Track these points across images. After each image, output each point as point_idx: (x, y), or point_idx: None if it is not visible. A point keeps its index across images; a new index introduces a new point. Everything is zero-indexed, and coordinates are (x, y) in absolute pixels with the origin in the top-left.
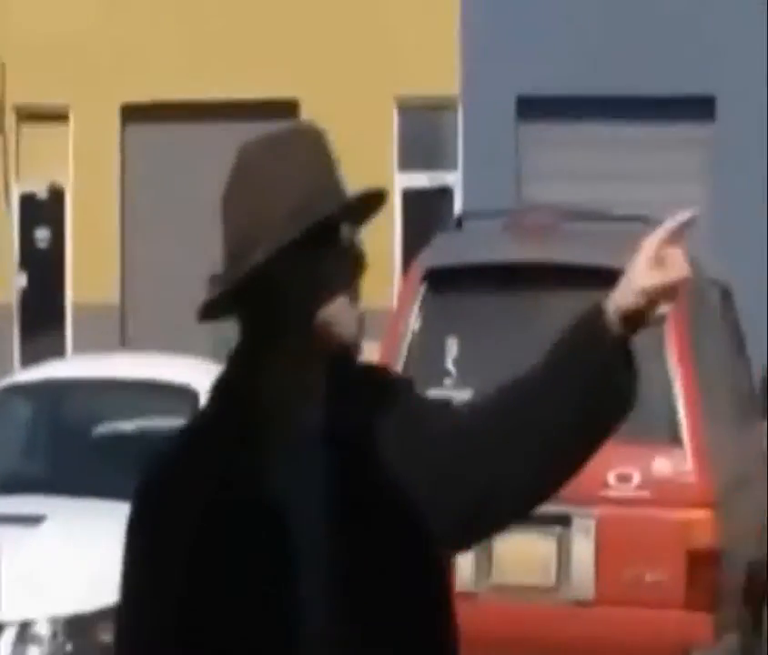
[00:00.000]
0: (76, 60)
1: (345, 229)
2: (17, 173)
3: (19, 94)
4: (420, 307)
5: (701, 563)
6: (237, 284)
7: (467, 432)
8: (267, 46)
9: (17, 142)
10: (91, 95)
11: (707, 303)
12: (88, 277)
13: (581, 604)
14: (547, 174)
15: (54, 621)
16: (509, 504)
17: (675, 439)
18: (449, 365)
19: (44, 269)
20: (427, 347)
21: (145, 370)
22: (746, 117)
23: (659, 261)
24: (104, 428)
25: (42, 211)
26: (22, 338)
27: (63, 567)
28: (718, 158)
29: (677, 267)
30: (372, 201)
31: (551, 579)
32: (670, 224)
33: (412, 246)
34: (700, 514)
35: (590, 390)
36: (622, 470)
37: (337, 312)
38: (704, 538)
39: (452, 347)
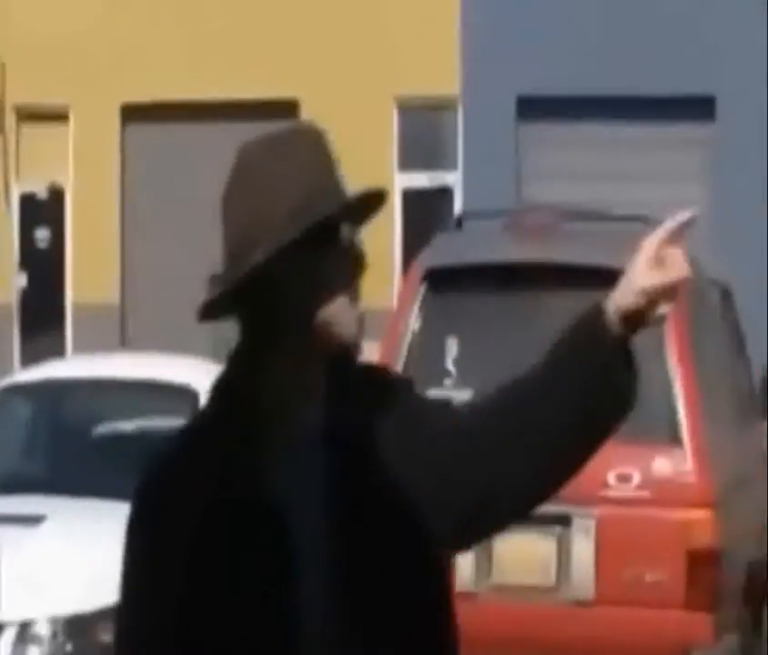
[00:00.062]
0: (76, 60)
1: (345, 229)
2: (17, 173)
3: (19, 94)
4: (420, 307)
5: (701, 563)
6: (236, 284)
7: (467, 432)
8: (267, 46)
9: (17, 142)
10: (91, 95)
11: (707, 303)
12: (88, 277)
13: (581, 604)
14: (547, 174)
15: (54, 621)
16: (508, 504)
17: (675, 439)
18: (449, 365)
19: (44, 269)
20: (427, 347)
21: (145, 370)
22: (746, 117)
23: (659, 261)
24: (104, 428)
25: (42, 211)
26: (22, 338)
27: (63, 567)
28: (718, 158)
29: (677, 267)
30: (372, 201)
31: (551, 579)
32: (670, 224)
33: (412, 246)
34: (700, 514)
35: (590, 390)
36: (622, 470)
37: (337, 312)
38: (704, 538)
39: (452, 347)
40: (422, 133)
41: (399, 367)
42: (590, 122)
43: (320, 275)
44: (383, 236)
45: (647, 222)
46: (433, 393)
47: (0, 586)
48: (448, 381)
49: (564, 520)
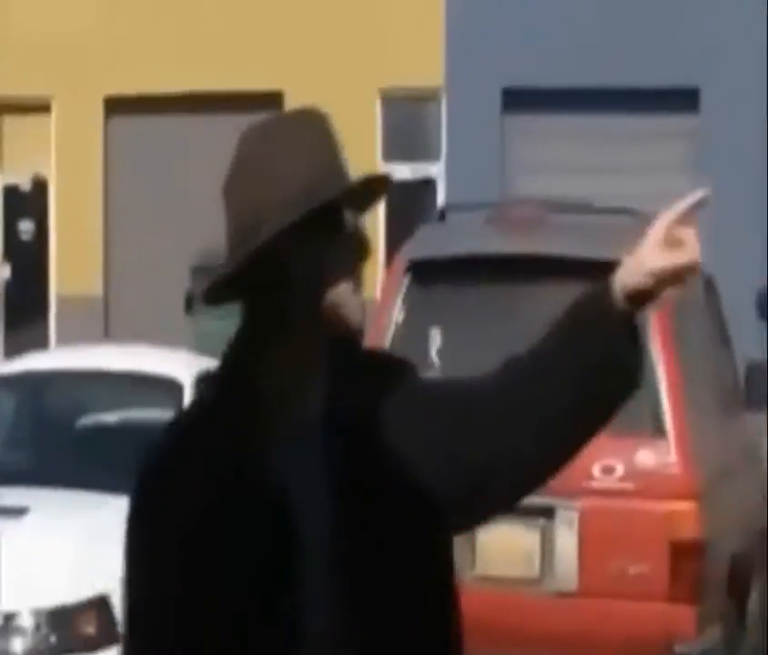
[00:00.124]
0: (60, 52)
1: (348, 215)
2: (0, 165)
3: (1, 85)
4: (404, 299)
5: (684, 555)
6: (239, 266)
7: (470, 407)
8: (252, 38)
9: (0, 134)
10: (74, 86)
11: (690, 294)
12: (72, 268)
13: (565, 596)
14: (531, 166)
15: (37, 613)
16: (510, 478)
17: (659, 431)
18: (433, 357)
19: (27, 261)
20: (410, 339)
21: (128, 362)
22: (730, 109)
23: (669, 242)
24: (87, 420)
25: (25, 203)
26: (5, 330)
27: (46, 559)
28: (702, 150)
29: (689, 249)
30: (375, 187)
31: (535, 570)
32: (681, 204)
33: (396, 237)
34: (683, 506)
35: (593, 365)
36: (606, 462)
37: (341, 297)
38: (688, 530)
39: (436, 338)
40: (406, 124)
41: None
42: (574, 114)
43: (324, 259)
44: (367, 228)
45: (632, 214)
46: None
47: None
48: (431, 373)
49: (548, 512)
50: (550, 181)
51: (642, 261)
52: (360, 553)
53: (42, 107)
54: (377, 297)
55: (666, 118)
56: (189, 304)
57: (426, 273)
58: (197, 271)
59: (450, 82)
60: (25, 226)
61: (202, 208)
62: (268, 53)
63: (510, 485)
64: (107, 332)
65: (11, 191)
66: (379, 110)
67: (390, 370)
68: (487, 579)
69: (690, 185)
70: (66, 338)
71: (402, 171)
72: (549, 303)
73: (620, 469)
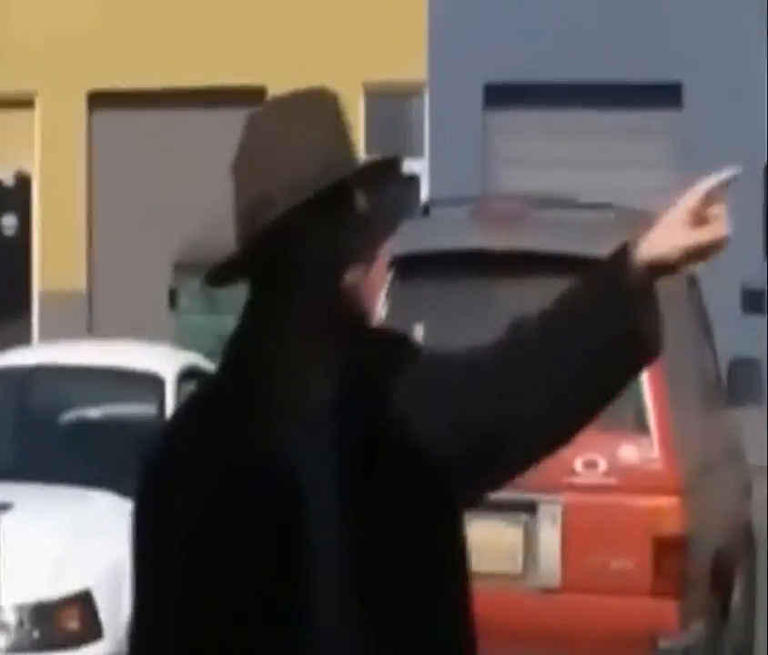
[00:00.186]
0: (43, 48)
1: (360, 197)
2: None
3: None
4: (387, 294)
5: (667, 550)
6: (248, 246)
7: (473, 370)
8: (234, 33)
9: None
10: (58, 82)
11: (673, 290)
12: (55, 264)
13: (548, 591)
14: (514, 161)
15: (20, 609)
16: (522, 439)
17: (642, 426)
18: None
19: (10, 256)
20: None
21: (111, 357)
22: (713, 104)
23: (696, 218)
24: (70, 416)
25: (8, 198)
26: None
27: (29, 554)
28: (685, 145)
29: (716, 225)
30: (386, 169)
31: (518, 566)
32: (711, 180)
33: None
34: (666, 501)
35: (608, 326)
36: (589, 457)
37: (352, 280)
38: (671, 525)
39: (419, 333)
40: (389, 119)
41: None
42: (557, 109)
43: (335, 241)
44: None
45: (614, 210)
46: None
47: None
48: None
49: (530, 507)
50: (532, 176)
51: (670, 234)
52: (372, 544)
53: (25, 103)
54: None
55: (649, 113)
56: (173, 299)
57: (409, 268)
58: (181, 267)
59: (433, 77)
60: (9, 222)
61: (185, 204)
62: (251, 48)
63: (523, 447)
64: (91, 328)
65: None
66: (362, 105)
67: (395, 348)
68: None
69: (672, 180)
70: (49, 334)
71: None
72: (531, 298)
73: (603, 465)
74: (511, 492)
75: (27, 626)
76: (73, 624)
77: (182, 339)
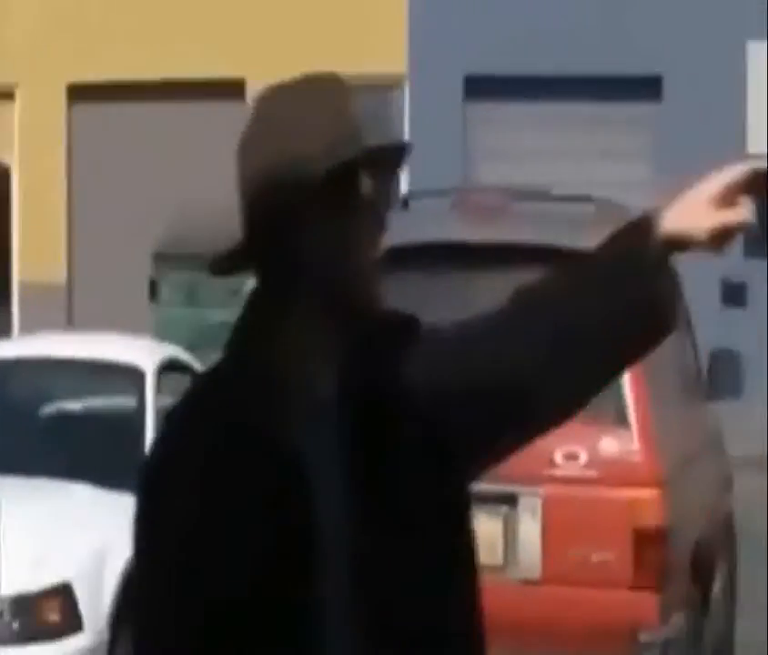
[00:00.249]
0: (23, 39)
1: (366, 183)
2: None
3: None
4: None
5: (647, 543)
6: (253, 231)
7: (488, 334)
8: (214, 26)
9: None
10: (37, 74)
11: None
12: (35, 256)
13: (528, 583)
14: (494, 153)
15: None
16: (533, 405)
17: (622, 419)
18: None
19: None
20: None
21: (91, 350)
22: (693, 97)
23: (720, 202)
24: (50, 408)
25: None
26: None
27: (9, 546)
28: (664, 138)
29: (740, 211)
30: (394, 153)
31: (498, 558)
32: (742, 167)
33: None
34: (646, 493)
35: (620, 292)
36: (569, 449)
37: (358, 267)
38: (651, 517)
39: None
40: (369, 112)
41: None
42: (536, 101)
43: (340, 227)
44: None
45: (594, 202)
46: None
47: None
48: None
49: (511, 500)
50: (512, 168)
51: (695, 214)
52: (379, 536)
53: (5, 95)
54: None
55: (628, 106)
56: (153, 291)
57: (389, 260)
58: (161, 258)
59: (413, 69)
60: None
61: (165, 195)
62: (231, 41)
63: (532, 411)
64: (71, 320)
65: None
66: None
67: (403, 331)
68: None
69: (651, 173)
70: (29, 326)
71: None
72: (512, 290)
73: (583, 457)
74: (491, 484)
75: (7, 618)
76: (53, 616)
77: (162, 332)
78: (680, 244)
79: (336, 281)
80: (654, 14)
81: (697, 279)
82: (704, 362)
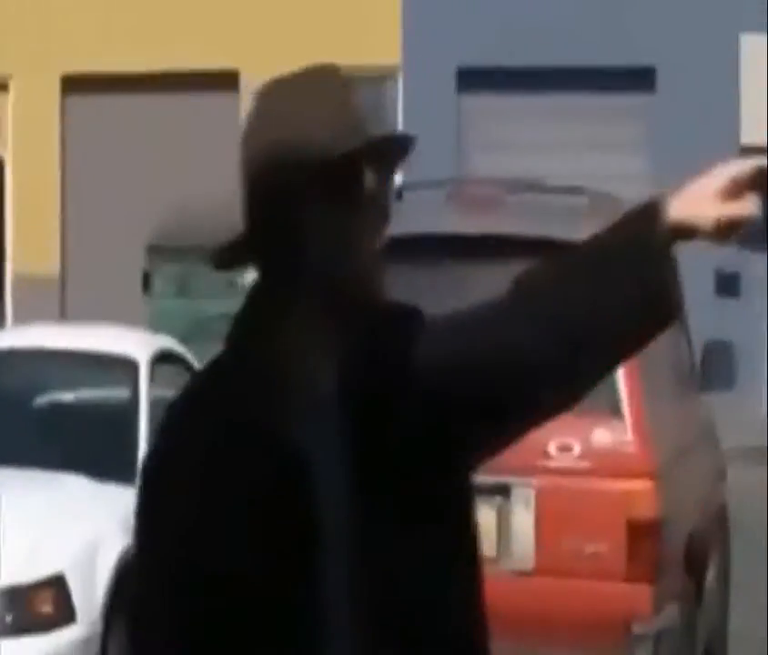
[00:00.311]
0: (17, 30)
1: (369, 177)
2: None
3: None
4: None
5: (641, 534)
6: (255, 224)
7: (493, 327)
8: (207, 17)
9: None
10: (31, 65)
11: None
12: (28, 248)
13: (522, 575)
14: (487, 145)
15: None
16: (535, 387)
17: (615, 410)
18: None
19: None
20: None
21: (85, 341)
22: (686, 88)
23: (727, 193)
24: (44, 399)
25: None
26: None
27: (2, 538)
28: (658, 129)
29: (747, 204)
30: (397, 146)
31: (492, 549)
32: (751, 162)
33: None
34: (640, 485)
35: (622, 276)
36: (563, 441)
37: (360, 262)
38: (645, 509)
39: None
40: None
41: None
42: (530, 93)
43: (342, 219)
44: None
45: (588, 194)
46: None
47: None
48: None
49: (504, 490)
50: (505, 160)
51: (699, 203)
52: (380, 533)
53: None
54: None
55: (622, 97)
56: (146, 283)
57: (383, 252)
58: (154, 250)
59: (406, 61)
60: None
61: (158, 188)
62: (224, 32)
63: (533, 392)
64: (64, 311)
65: None
66: None
67: (406, 323)
68: None
69: (645, 164)
70: (23, 317)
71: None
72: (507, 282)
73: (576, 448)
74: (485, 475)
75: (0, 610)
76: (46, 608)
77: (156, 324)
78: (685, 232)
79: (339, 274)
80: (648, 5)
81: (691, 269)
82: (698, 353)
